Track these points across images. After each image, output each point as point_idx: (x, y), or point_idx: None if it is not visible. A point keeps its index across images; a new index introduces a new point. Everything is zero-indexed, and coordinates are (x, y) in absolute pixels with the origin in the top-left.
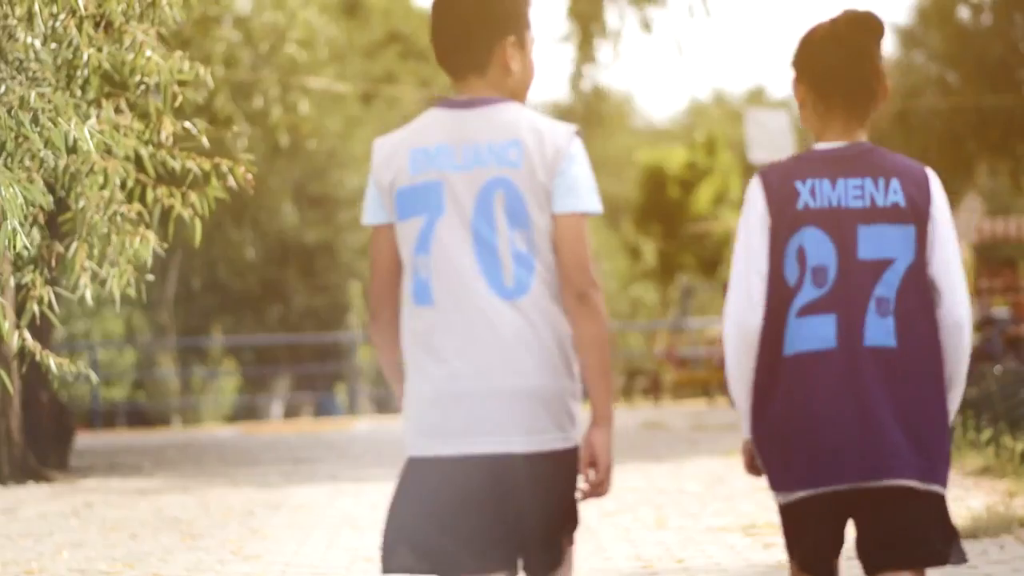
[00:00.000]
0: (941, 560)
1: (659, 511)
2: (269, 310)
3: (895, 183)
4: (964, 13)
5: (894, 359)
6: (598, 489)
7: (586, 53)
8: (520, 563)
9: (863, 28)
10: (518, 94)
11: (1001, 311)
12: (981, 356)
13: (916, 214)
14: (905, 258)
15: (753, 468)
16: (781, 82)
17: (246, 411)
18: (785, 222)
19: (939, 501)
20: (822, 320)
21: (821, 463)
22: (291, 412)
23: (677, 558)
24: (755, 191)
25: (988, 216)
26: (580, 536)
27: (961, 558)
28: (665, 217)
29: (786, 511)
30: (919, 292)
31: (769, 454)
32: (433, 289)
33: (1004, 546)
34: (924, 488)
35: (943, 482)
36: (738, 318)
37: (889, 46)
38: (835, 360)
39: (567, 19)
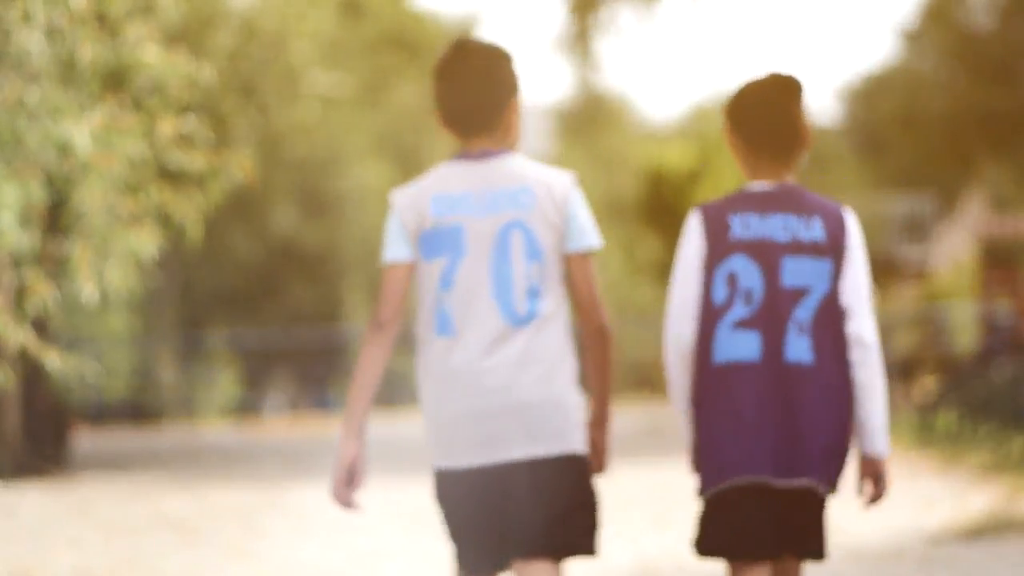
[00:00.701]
0: (820, 556)
1: (660, 511)
2: (268, 308)
3: (816, 221)
4: (967, 14)
5: (810, 374)
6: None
7: (587, 50)
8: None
9: (785, 90)
10: (514, 146)
11: (1004, 310)
12: (984, 355)
13: (834, 249)
14: (821, 288)
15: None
16: None
17: (245, 409)
18: (718, 249)
19: (824, 503)
20: (748, 336)
21: (739, 459)
22: (290, 410)
23: (677, 557)
24: (694, 222)
25: (991, 215)
26: None
27: (825, 556)
28: (664, 216)
29: (711, 507)
30: (832, 317)
31: (701, 449)
32: (454, 320)
33: (1006, 544)
34: (822, 491)
35: (834, 487)
36: (674, 330)
37: (893, 47)
38: (758, 372)
39: (567, 16)
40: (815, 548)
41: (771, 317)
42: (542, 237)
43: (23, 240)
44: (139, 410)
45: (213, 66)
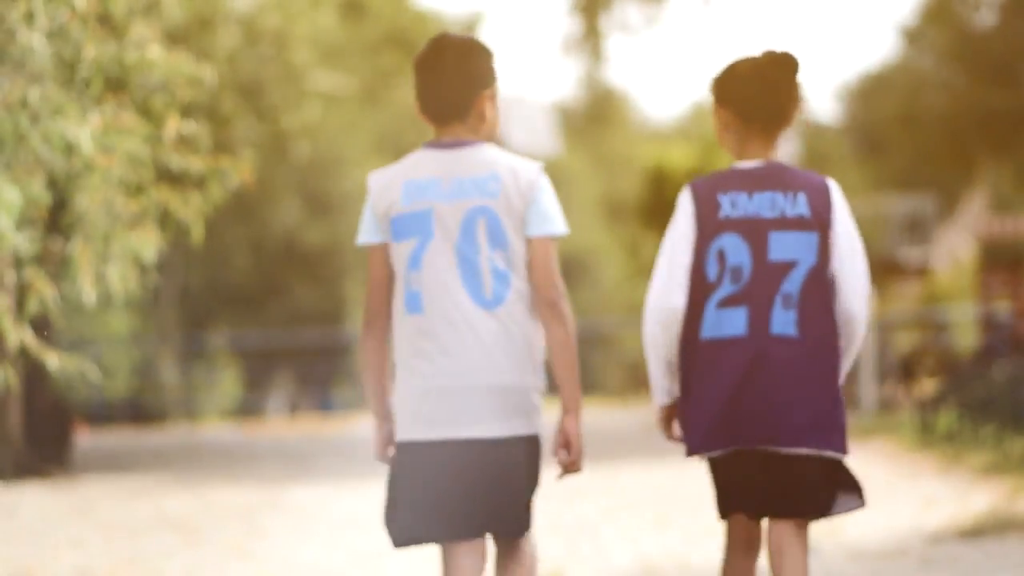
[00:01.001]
0: (823, 513)
1: (661, 511)
2: (270, 308)
3: (802, 196)
4: (968, 12)
5: (795, 346)
6: (572, 467)
7: (595, 49)
8: (496, 528)
9: (781, 65)
10: (491, 136)
11: (1004, 310)
12: (984, 355)
13: (820, 223)
14: (808, 260)
15: (669, 432)
16: None
17: (247, 409)
18: (709, 227)
19: (834, 463)
20: (735, 312)
21: (729, 429)
22: (292, 411)
23: (678, 557)
24: (685, 199)
25: (992, 215)
26: (581, 536)
27: (847, 508)
28: (667, 216)
29: (709, 466)
30: (820, 289)
31: (688, 416)
32: (423, 300)
33: (1007, 544)
34: (816, 454)
35: (838, 447)
36: (658, 301)
37: (893, 46)
38: (744, 346)
39: (573, 15)
40: (805, 507)
41: (758, 292)
42: (506, 225)
43: (24, 240)
44: (140, 410)
45: (215, 67)
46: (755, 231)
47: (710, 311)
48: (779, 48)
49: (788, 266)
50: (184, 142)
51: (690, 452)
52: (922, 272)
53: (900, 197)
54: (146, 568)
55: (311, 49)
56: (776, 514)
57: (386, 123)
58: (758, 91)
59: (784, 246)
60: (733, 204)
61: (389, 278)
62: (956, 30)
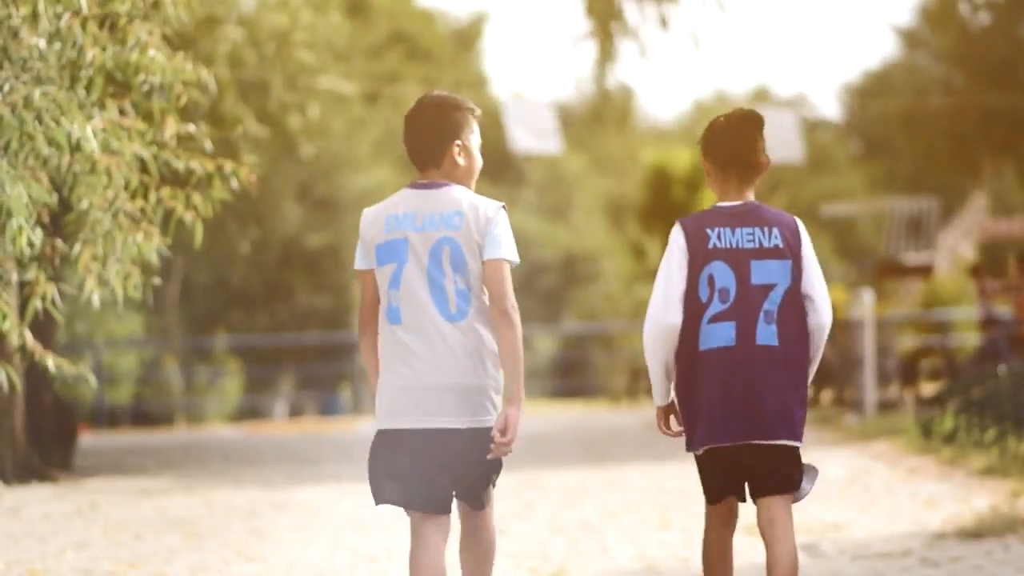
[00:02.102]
0: (796, 487)
1: (663, 511)
2: (273, 310)
3: (776, 230)
4: (967, 13)
5: (775, 354)
6: (502, 448)
7: (607, 51)
8: (457, 503)
9: (748, 122)
10: (464, 180)
11: (1005, 312)
12: (985, 356)
13: (792, 252)
14: (784, 283)
15: (667, 429)
16: (786, 81)
17: (250, 411)
18: (699, 257)
19: (795, 451)
20: (726, 326)
21: (723, 426)
22: (295, 412)
23: (680, 558)
24: (677, 234)
25: (992, 216)
26: (583, 536)
27: (811, 483)
28: (670, 218)
29: (701, 460)
30: (794, 306)
31: (691, 418)
32: (401, 313)
33: (1008, 546)
34: (791, 444)
35: (799, 438)
36: (657, 317)
37: (894, 46)
38: (735, 354)
39: (585, 18)
40: (786, 485)
41: (744, 310)
42: (467, 253)
43: (34, 241)
44: (144, 412)
45: (218, 68)
46: (738, 259)
47: (704, 326)
48: (747, 108)
49: (768, 288)
50: (186, 144)
51: (693, 447)
52: (924, 273)
53: (903, 199)
54: (150, 568)
55: (314, 50)
56: (763, 493)
57: (390, 124)
58: (729, 144)
59: (764, 272)
60: (719, 237)
61: (376, 296)
62: (956, 31)
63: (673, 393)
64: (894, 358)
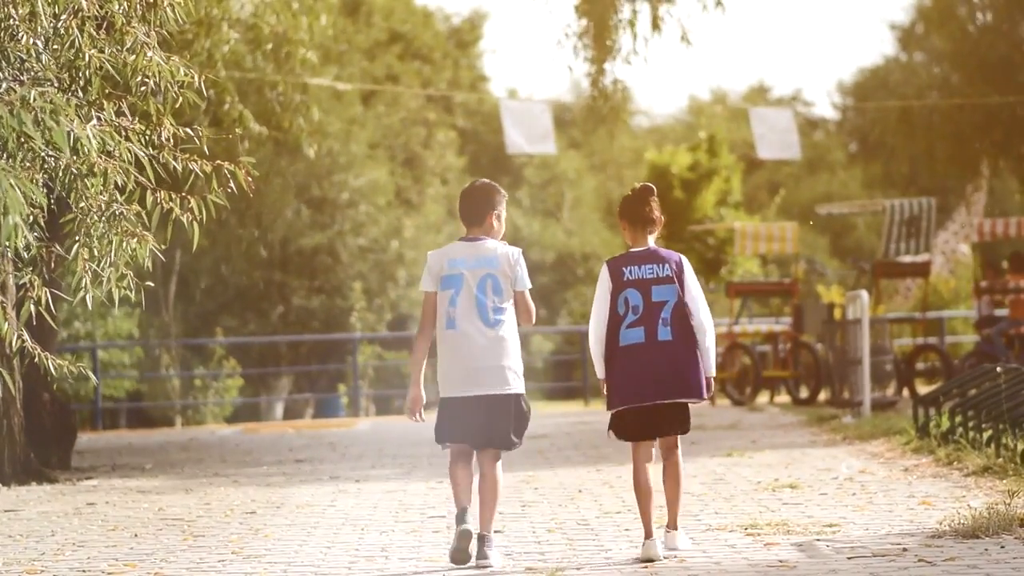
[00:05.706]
0: (686, 431)
1: (660, 511)
2: (271, 311)
3: (667, 265)
4: (965, 13)
5: (671, 345)
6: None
7: (603, 48)
8: (493, 443)
9: (647, 191)
10: (496, 236)
11: (1003, 311)
12: (981, 356)
13: (678, 279)
14: (672, 299)
15: (603, 392)
16: (783, 79)
17: (248, 411)
18: (618, 286)
19: (686, 406)
20: (637, 330)
21: (635, 392)
22: (292, 412)
23: (678, 557)
24: (604, 271)
25: (990, 216)
26: (581, 535)
27: (687, 431)
28: (669, 218)
29: (616, 415)
30: (681, 314)
31: (612, 390)
32: (457, 322)
33: (1005, 545)
34: (690, 401)
35: (698, 395)
36: (596, 328)
37: (889, 47)
38: (644, 348)
39: (577, 17)
40: (683, 429)
41: (649, 318)
42: (502, 283)
43: (30, 240)
44: (142, 412)
45: (215, 69)
46: (644, 286)
47: (623, 330)
48: (644, 183)
49: (663, 303)
50: (183, 144)
51: (612, 407)
52: (921, 273)
53: (900, 199)
54: (148, 568)
55: (312, 50)
56: (663, 434)
57: (389, 124)
58: (636, 209)
59: (660, 293)
60: (631, 272)
61: (436, 309)
62: (954, 31)
63: (603, 371)
64: (891, 358)
